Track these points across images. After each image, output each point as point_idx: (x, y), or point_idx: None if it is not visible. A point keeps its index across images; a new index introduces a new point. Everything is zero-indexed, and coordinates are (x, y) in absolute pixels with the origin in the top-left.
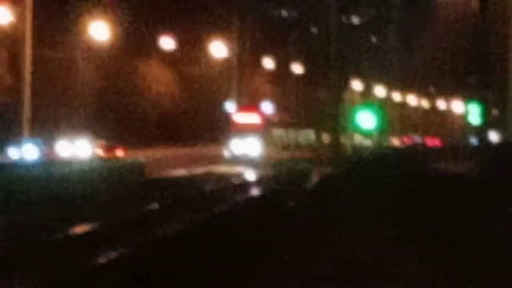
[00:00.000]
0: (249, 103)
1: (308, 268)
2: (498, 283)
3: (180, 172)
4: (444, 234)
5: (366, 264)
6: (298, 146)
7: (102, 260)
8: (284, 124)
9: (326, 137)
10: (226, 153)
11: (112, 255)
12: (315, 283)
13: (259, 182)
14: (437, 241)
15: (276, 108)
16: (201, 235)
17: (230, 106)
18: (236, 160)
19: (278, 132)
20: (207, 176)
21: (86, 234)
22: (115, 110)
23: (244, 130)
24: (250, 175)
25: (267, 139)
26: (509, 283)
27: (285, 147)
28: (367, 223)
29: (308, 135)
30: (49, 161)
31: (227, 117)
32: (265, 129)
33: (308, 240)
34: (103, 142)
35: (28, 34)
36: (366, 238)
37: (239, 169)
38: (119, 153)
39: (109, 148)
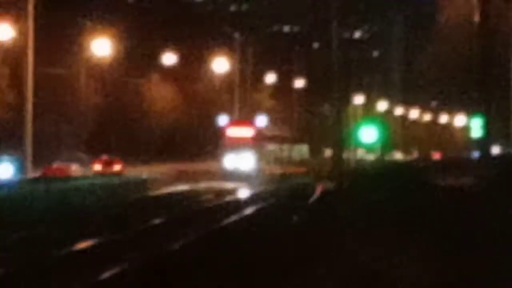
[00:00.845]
0: (244, 117)
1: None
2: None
3: (182, 187)
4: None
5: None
6: (291, 161)
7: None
8: (278, 138)
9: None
10: (220, 168)
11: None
12: None
13: (260, 197)
14: (434, 249)
15: (271, 122)
16: (212, 246)
17: (223, 120)
18: (230, 175)
19: (271, 146)
20: (209, 191)
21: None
22: (117, 127)
23: (237, 144)
24: (250, 190)
25: (261, 154)
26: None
27: (278, 161)
28: (369, 238)
29: (301, 150)
30: (50, 178)
31: (220, 131)
32: (258, 143)
33: (312, 254)
34: (103, 157)
35: (30, 51)
36: (369, 253)
37: (238, 184)
38: (117, 167)
39: (107, 163)
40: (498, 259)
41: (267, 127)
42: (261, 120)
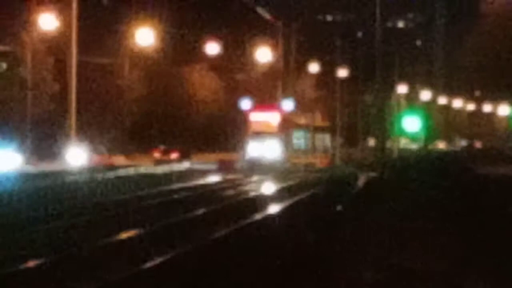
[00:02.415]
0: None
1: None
2: None
3: (229, 177)
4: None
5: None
6: (314, 150)
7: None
8: (304, 126)
9: (371, 142)
10: (242, 158)
11: None
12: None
13: (302, 187)
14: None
15: (299, 108)
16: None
17: (246, 104)
18: (253, 165)
19: (299, 133)
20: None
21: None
22: (160, 116)
23: (262, 131)
24: (289, 181)
25: (287, 141)
26: None
27: (303, 151)
28: (416, 228)
29: (324, 139)
30: (101, 167)
31: (243, 116)
32: (285, 129)
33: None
34: (161, 147)
35: (73, 41)
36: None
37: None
38: (174, 155)
39: (165, 152)
40: None
41: (295, 113)
42: (288, 104)
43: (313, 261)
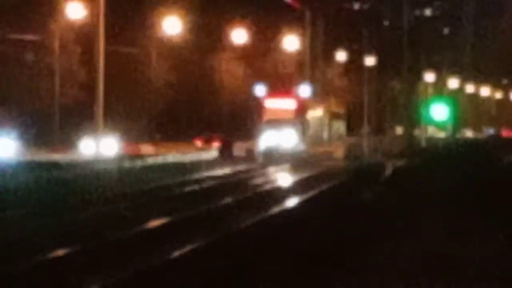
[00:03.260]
0: (314, 96)
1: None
2: None
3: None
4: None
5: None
6: (330, 139)
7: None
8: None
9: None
10: (256, 147)
11: None
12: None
13: (327, 175)
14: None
15: (317, 92)
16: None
17: (261, 90)
18: (270, 154)
19: (315, 120)
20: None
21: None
22: (187, 104)
23: (277, 117)
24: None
25: (304, 128)
26: None
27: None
28: (442, 215)
29: (339, 128)
30: (133, 156)
31: (257, 103)
32: (301, 115)
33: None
34: (203, 135)
35: (101, 29)
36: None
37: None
38: (216, 144)
39: (207, 140)
40: None
41: (312, 98)
42: (304, 90)
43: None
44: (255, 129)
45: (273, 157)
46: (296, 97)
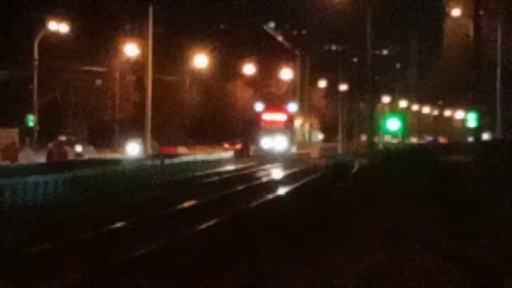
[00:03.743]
0: (301, 112)
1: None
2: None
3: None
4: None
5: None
6: (310, 143)
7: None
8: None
9: (363, 137)
10: (256, 149)
11: None
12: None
13: (311, 170)
14: (439, 200)
15: (303, 109)
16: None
17: (259, 107)
18: (266, 154)
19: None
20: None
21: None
22: (210, 119)
23: (272, 127)
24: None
25: (292, 135)
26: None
27: (301, 144)
28: (396, 196)
29: (317, 136)
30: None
31: (256, 116)
32: (290, 127)
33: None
34: (229, 140)
35: (149, 63)
36: (392, 202)
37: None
38: (239, 146)
39: (232, 143)
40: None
41: (298, 113)
42: (292, 107)
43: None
44: (255, 136)
45: (268, 157)
46: (286, 112)
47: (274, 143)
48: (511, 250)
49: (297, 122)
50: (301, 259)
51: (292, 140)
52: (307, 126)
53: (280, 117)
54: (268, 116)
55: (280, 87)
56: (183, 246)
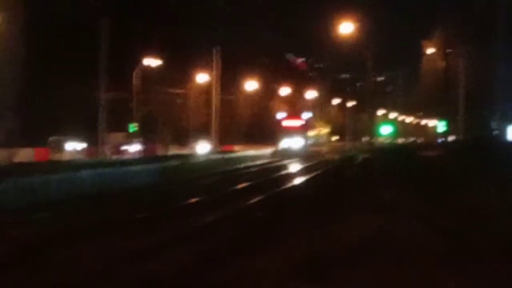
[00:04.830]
0: (295, 114)
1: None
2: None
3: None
4: (425, 180)
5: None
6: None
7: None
8: (316, 128)
9: (364, 139)
10: (278, 148)
11: None
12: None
13: (323, 163)
14: (421, 183)
15: (314, 117)
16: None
17: (280, 115)
18: (286, 153)
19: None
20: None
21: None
22: (257, 127)
23: (291, 131)
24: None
25: (306, 137)
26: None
27: (316, 144)
28: (387, 177)
29: (324, 137)
30: (226, 151)
31: (277, 122)
32: (306, 130)
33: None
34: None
35: (214, 87)
36: (385, 182)
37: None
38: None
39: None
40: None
41: (316, 120)
42: (307, 115)
43: (345, 185)
44: (277, 138)
45: (288, 154)
46: (302, 119)
47: (292, 143)
48: (468, 217)
49: (315, 128)
50: (329, 219)
51: (306, 141)
52: (324, 131)
53: (297, 123)
54: (287, 123)
55: (305, 104)
56: (246, 211)
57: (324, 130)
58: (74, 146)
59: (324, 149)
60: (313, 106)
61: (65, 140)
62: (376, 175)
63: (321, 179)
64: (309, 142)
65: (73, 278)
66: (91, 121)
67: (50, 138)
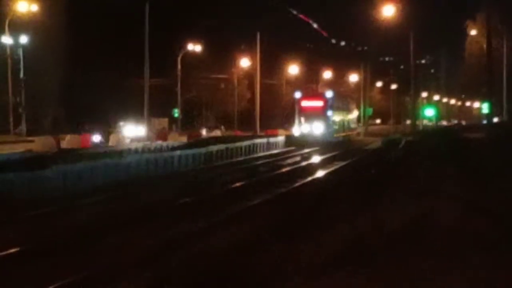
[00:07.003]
0: (316, 92)
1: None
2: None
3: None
4: (469, 160)
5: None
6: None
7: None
8: (341, 109)
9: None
10: (295, 132)
11: None
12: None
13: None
14: (465, 162)
15: (336, 95)
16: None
17: (298, 94)
18: (305, 137)
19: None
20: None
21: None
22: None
23: (310, 112)
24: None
25: (329, 120)
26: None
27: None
28: (433, 161)
29: (354, 121)
30: (270, 135)
31: (296, 102)
32: (326, 111)
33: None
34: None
35: (258, 72)
36: (432, 166)
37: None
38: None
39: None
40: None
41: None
42: (329, 94)
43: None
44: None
45: (309, 141)
46: (323, 99)
47: (313, 128)
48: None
49: (356, 112)
50: (377, 200)
51: (329, 125)
52: (352, 114)
53: (317, 103)
54: (305, 103)
55: (349, 86)
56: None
57: (353, 113)
58: (134, 132)
59: (363, 132)
60: (357, 89)
61: (126, 126)
62: (419, 158)
63: (362, 163)
64: (335, 126)
65: (134, 258)
66: (134, 108)
67: (121, 123)
